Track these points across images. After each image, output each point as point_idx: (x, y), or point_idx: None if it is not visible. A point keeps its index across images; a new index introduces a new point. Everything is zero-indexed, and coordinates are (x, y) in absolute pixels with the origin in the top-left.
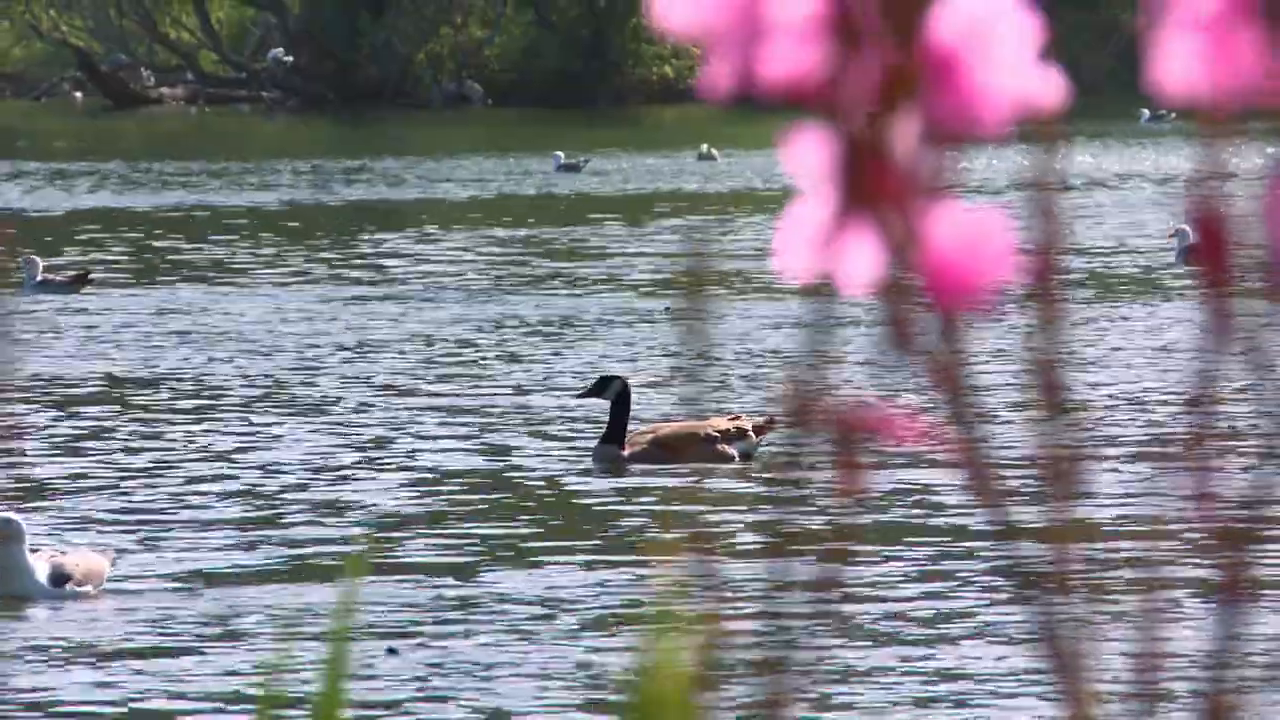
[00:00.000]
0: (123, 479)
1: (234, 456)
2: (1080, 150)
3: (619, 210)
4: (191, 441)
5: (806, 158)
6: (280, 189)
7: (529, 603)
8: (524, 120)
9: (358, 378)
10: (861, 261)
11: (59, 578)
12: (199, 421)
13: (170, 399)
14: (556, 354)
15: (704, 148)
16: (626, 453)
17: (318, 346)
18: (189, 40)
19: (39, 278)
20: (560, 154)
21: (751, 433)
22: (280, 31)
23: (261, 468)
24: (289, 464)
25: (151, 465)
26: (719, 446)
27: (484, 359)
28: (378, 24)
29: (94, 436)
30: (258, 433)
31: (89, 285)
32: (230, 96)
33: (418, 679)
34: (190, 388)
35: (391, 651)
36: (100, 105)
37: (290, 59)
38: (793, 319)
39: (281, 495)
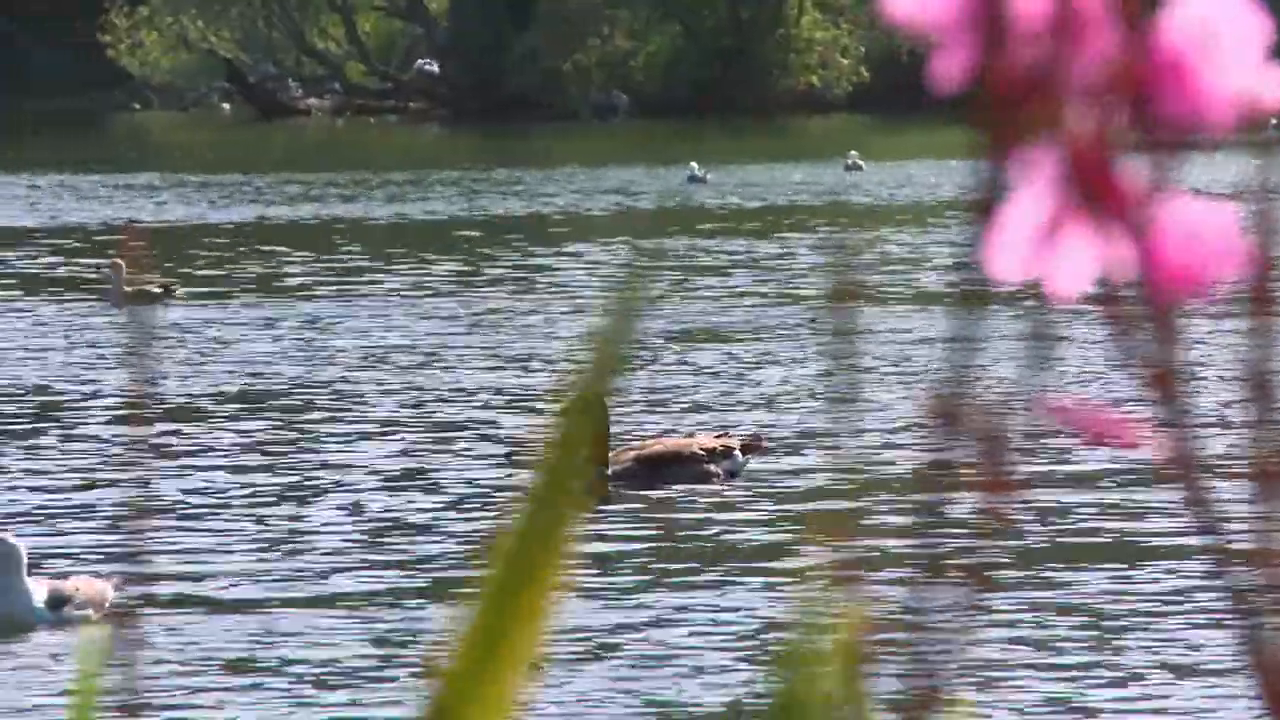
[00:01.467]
0: (258, 497)
1: (367, 470)
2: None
3: (757, 222)
4: (333, 453)
5: (1024, 157)
6: (424, 200)
7: (648, 626)
8: (668, 131)
9: (499, 391)
10: (1077, 265)
11: (57, 602)
12: (333, 436)
13: (303, 412)
14: (688, 364)
15: (851, 158)
16: (610, 471)
17: (457, 360)
18: (336, 51)
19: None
20: (695, 165)
21: (738, 452)
22: (427, 42)
23: (391, 482)
24: (424, 481)
25: (278, 482)
26: (705, 466)
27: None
28: (524, 35)
29: (239, 450)
30: (396, 445)
31: (173, 297)
32: (377, 107)
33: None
34: (327, 400)
35: None
36: (248, 116)
37: (437, 70)
38: (941, 332)
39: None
